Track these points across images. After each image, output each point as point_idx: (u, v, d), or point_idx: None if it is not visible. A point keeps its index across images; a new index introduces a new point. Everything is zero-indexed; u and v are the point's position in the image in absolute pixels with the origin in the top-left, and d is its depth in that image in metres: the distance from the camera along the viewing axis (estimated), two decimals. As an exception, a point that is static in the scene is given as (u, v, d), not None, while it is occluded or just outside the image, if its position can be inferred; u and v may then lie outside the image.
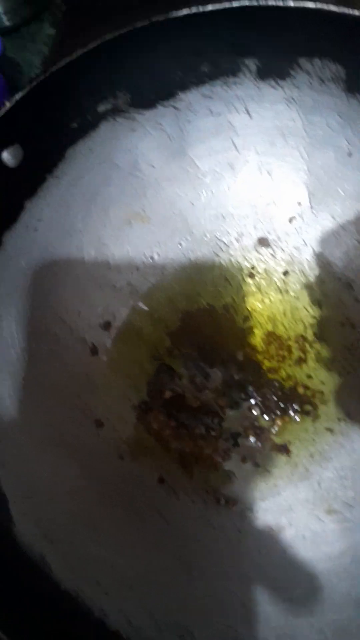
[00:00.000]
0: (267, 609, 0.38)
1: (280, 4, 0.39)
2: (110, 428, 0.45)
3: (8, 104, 0.38)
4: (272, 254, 0.49)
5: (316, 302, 0.48)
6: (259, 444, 0.45)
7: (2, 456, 0.39)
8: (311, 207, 0.49)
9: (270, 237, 0.49)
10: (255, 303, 0.48)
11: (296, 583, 0.40)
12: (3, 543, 0.36)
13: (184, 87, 0.45)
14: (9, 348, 0.43)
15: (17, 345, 0.43)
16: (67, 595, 0.36)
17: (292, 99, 0.46)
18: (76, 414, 0.45)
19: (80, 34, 0.40)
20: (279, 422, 0.46)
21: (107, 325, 0.47)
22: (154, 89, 0.45)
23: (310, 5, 0.39)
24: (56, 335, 0.46)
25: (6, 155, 0.40)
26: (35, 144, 0.41)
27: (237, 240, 0.49)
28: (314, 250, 0.49)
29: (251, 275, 0.49)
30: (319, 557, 0.40)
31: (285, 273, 0.49)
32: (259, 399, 0.46)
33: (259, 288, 0.49)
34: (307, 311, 0.48)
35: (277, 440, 0.45)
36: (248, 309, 0.48)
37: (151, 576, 0.39)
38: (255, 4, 0.40)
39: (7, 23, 0.65)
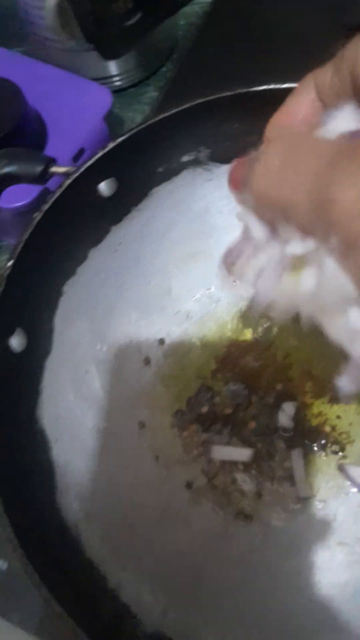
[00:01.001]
0: (272, 622, 0.41)
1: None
2: (150, 430, 0.50)
3: (111, 144, 0.47)
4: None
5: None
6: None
7: (58, 434, 0.45)
8: None
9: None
10: (295, 342, 0.53)
11: (300, 604, 0.42)
12: (44, 503, 0.41)
13: (256, 148, 0.53)
14: (79, 345, 0.50)
15: (85, 343, 0.50)
16: (89, 562, 0.40)
17: None
18: (124, 414, 0.50)
19: (180, 98, 0.48)
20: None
21: (161, 342, 0.54)
22: (232, 147, 0.53)
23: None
24: (118, 342, 0.52)
25: (103, 186, 0.49)
26: (127, 180, 0.50)
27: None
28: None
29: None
30: (324, 583, 0.42)
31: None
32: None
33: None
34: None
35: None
36: (288, 347, 0.53)
37: (168, 570, 0.43)
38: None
39: (118, 83, 0.77)
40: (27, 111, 0.63)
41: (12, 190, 0.47)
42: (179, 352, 0.54)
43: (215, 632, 0.39)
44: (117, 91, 0.74)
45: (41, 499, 0.41)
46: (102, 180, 0.48)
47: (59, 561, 0.38)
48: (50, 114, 0.65)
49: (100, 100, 0.66)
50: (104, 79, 0.73)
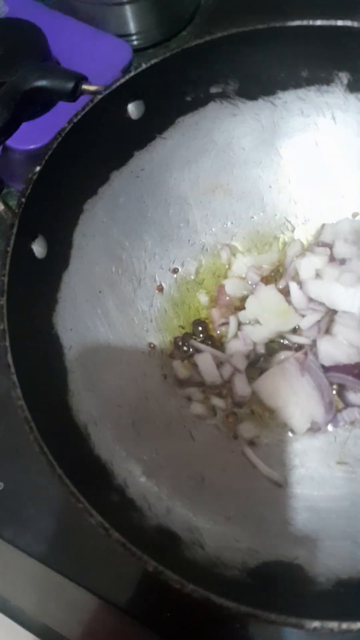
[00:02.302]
0: (269, 527, 0.42)
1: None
2: (159, 351, 0.51)
3: (144, 65, 0.47)
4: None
5: None
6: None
7: (72, 342, 0.46)
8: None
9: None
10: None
11: (299, 513, 0.43)
12: (57, 402, 0.42)
13: (284, 87, 0.54)
14: (95, 265, 0.51)
15: (101, 263, 0.51)
16: (97, 458, 0.42)
17: (374, 111, 0.54)
18: (136, 335, 0.52)
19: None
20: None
21: (175, 271, 0.55)
22: (260, 84, 0.54)
23: None
24: (133, 268, 0.53)
25: (132, 108, 0.49)
26: (155, 105, 0.51)
27: (303, 224, 0.56)
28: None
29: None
30: (322, 496, 0.44)
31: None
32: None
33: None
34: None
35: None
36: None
37: (172, 473, 0.44)
38: (357, 26, 0.49)
39: (137, 42, 0.76)
40: (49, 57, 0.64)
41: (26, 131, 0.46)
42: (192, 282, 0.55)
43: (216, 530, 0.41)
44: (137, 50, 0.74)
45: (55, 399, 0.43)
46: (132, 101, 0.49)
47: (70, 450, 0.39)
48: (70, 64, 0.65)
49: (120, 53, 0.67)
50: (124, 36, 0.73)
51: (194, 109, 0.53)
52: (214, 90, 0.53)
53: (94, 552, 0.47)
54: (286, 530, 0.42)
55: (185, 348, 0.51)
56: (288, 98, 0.54)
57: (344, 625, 0.31)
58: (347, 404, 0.46)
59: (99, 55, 0.66)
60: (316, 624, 0.31)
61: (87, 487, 0.37)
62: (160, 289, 0.54)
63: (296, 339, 0.49)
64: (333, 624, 0.31)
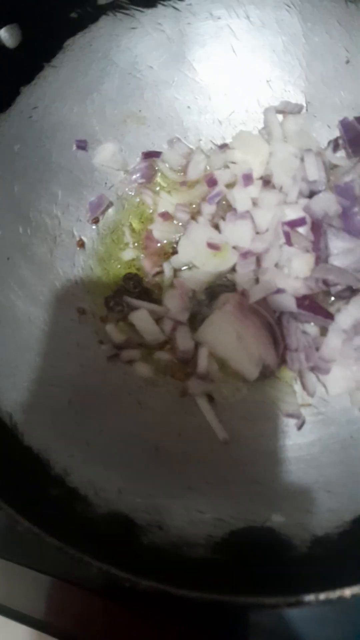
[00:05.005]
0: (234, 490, 0.38)
1: None
2: (91, 315, 0.45)
3: (7, -24, 0.39)
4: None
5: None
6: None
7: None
8: (311, 116, 0.48)
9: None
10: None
11: (263, 467, 0.39)
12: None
13: (185, -14, 0.46)
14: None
15: (5, 226, 0.44)
16: (28, 449, 0.36)
17: (292, 4, 0.46)
18: (61, 301, 0.45)
19: None
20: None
21: (95, 220, 0.48)
22: (157, -14, 0.46)
23: None
24: (45, 226, 0.46)
25: (4, 34, 0.41)
26: (34, 28, 0.42)
27: (231, 148, 0.49)
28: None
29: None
30: (290, 445, 0.40)
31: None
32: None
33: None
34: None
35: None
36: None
37: (121, 449, 0.39)
38: None
39: None
40: None
41: None
42: (116, 231, 0.48)
43: (176, 505, 0.36)
44: None
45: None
46: (2, 26, 0.41)
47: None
48: None
49: None
50: None
51: (83, 26, 0.45)
52: (102, 1, 0.45)
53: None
54: (254, 490, 0.38)
55: (119, 307, 0.45)
56: (192, -1, 0.46)
57: (322, 596, 0.27)
58: (298, 341, 0.41)
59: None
60: (291, 600, 0.27)
61: (15, 487, 0.32)
62: (82, 244, 0.47)
63: (238, 278, 0.43)
64: (310, 597, 0.27)
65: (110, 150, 0.48)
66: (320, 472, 0.38)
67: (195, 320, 0.44)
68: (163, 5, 0.46)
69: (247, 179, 0.44)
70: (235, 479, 0.38)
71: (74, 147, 0.47)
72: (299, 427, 0.40)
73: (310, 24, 0.46)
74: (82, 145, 0.47)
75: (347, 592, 0.28)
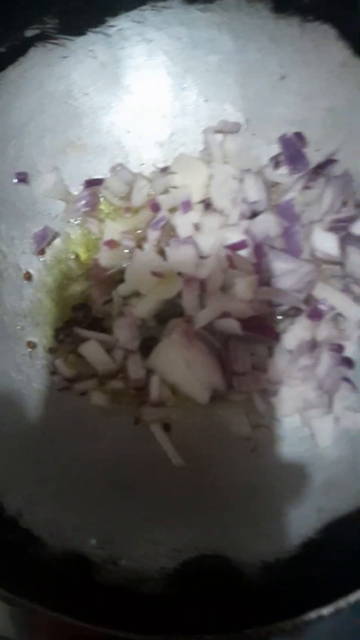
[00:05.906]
0: (187, 516, 0.38)
1: None
2: (43, 348, 0.45)
3: None
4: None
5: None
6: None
7: None
8: (250, 134, 0.49)
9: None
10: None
11: (218, 492, 0.39)
12: None
13: (113, 13, 0.46)
14: None
15: None
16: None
17: (223, 23, 0.46)
18: (9, 336, 0.45)
19: None
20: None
21: (41, 252, 0.48)
22: (83, 15, 0.45)
23: None
24: (-11, 259, 0.46)
25: None
26: None
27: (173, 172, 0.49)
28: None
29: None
30: (244, 468, 0.40)
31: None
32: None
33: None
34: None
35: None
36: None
37: (78, 483, 0.39)
38: None
39: None
40: None
41: None
42: (63, 262, 0.48)
43: (133, 538, 0.36)
44: None
45: None
46: None
47: None
48: None
49: None
50: None
51: (12, 60, 0.45)
52: (29, 33, 0.44)
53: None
54: (210, 516, 0.38)
55: (69, 339, 0.45)
56: (122, 24, 0.46)
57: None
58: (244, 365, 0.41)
59: None
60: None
61: None
62: (29, 277, 0.47)
63: (185, 304, 0.43)
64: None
65: (51, 181, 0.47)
66: (273, 494, 0.39)
67: (148, 345, 0.44)
68: (93, 32, 0.46)
69: (186, 205, 0.44)
70: (191, 506, 0.39)
71: (15, 180, 0.47)
72: (252, 449, 0.41)
73: (242, 41, 0.47)
74: (22, 178, 0.47)
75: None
